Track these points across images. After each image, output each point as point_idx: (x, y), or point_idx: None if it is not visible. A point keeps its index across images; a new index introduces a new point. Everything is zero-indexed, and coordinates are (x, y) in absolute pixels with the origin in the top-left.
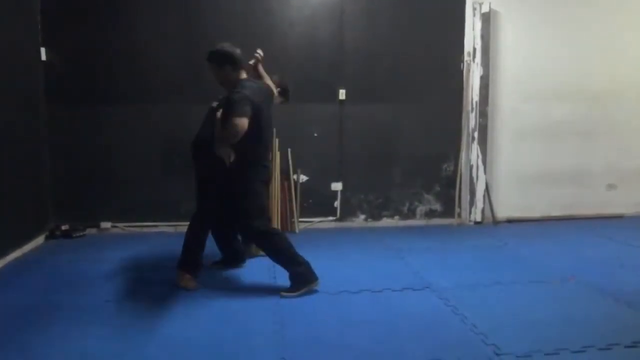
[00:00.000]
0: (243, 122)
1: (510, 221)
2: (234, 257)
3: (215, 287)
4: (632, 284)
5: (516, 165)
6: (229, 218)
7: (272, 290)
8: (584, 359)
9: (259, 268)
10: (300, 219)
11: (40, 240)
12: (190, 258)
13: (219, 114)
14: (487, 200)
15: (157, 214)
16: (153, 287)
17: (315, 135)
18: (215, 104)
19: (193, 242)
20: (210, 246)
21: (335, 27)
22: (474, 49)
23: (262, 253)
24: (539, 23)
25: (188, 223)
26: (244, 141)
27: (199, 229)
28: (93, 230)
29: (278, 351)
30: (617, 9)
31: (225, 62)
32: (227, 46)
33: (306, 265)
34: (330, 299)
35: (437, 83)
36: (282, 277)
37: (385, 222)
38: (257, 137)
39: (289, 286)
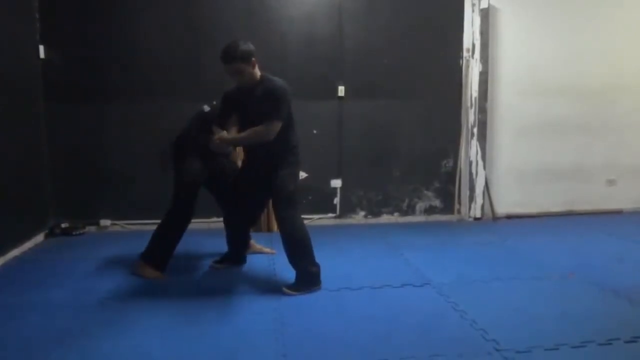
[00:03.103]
0: (279, 127)
1: (509, 217)
2: (239, 255)
3: (215, 285)
4: (631, 279)
5: (516, 161)
6: (257, 210)
7: (273, 288)
8: (584, 354)
9: (259, 265)
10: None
11: (39, 238)
12: (159, 253)
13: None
14: (486, 197)
15: (157, 212)
16: (153, 285)
17: (315, 132)
18: (207, 108)
19: (168, 237)
20: (205, 247)
21: (334, 23)
22: (473, 45)
23: (266, 250)
24: (538, 19)
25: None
26: (286, 127)
27: (173, 225)
28: (93, 228)
29: (279, 348)
30: (618, 5)
31: (251, 57)
32: (241, 43)
33: (319, 268)
34: (330, 295)
35: (437, 79)
36: (282, 274)
37: (385, 218)
38: (293, 122)
39: (293, 283)
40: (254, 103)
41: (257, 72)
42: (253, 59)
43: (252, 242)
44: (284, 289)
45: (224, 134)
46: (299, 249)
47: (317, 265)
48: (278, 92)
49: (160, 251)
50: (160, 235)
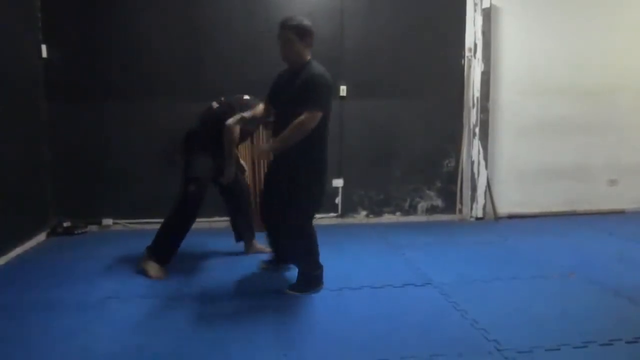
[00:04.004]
0: (318, 117)
1: (511, 217)
2: (279, 258)
3: (216, 285)
4: (633, 279)
5: (517, 161)
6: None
7: (273, 287)
8: (585, 355)
9: (260, 264)
10: None
11: (41, 237)
12: (164, 248)
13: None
14: (488, 196)
15: (159, 211)
16: (154, 283)
17: None
18: (215, 104)
19: (173, 233)
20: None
21: (335, 23)
22: (475, 45)
23: (267, 250)
24: (540, 19)
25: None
26: (320, 126)
27: (178, 221)
28: (94, 228)
29: (279, 347)
30: (619, 5)
31: (305, 35)
32: (305, 20)
33: (322, 269)
34: (331, 295)
35: (438, 79)
36: (282, 273)
37: (387, 218)
38: (328, 120)
39: (295, 284)
40: (292, 87)
41: (307, 55)
42: (307, 38)
43: (254, 241)
44: (288, 291)
45: (264, 146)
46: (304, 252)
47: (320, 267)
48: (316, 80)
49: (165, 246)
50: (166, 230)
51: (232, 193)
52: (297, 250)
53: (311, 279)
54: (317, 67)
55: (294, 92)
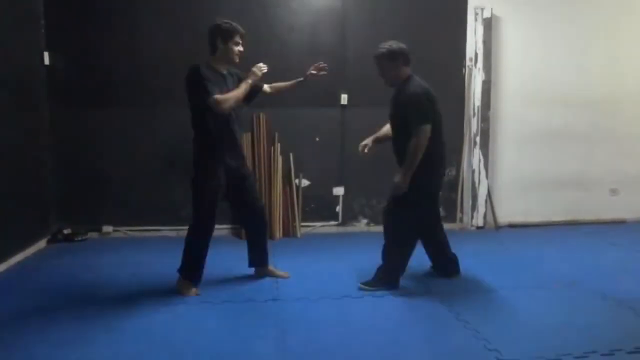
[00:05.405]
0: (429, 129)
1: (512, 226)
2: (445, 267)
3: (217, 293)
4: (634, 289)
5: (518, 170)
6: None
7: (274, 296)
8: None
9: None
10: (302, 224)
11: (42, 244)
12: (189, 265)
13: None
14: (489, 205)
15: (159, 218)
16: (154, 291)
17: (317, 139)
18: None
19: (190, 248)
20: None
21: (337, 32)
22: (476, 54)
23: (279, 274)
24: (541, 28)
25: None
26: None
27: (193, 235)
28: (95, 235)
29: (279, 356)
30: (620, 15)
31: (396, 58)
32: (394, 43)
33: (402, 272)
34: (332, 303)
35: (439, 88)
36: (284, 283)
37: None
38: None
39: (371, 279)
40: (397, 103)
41: (404, 73)
42: (399, 60)
43: (267, 265)
44: (361, 285)
45: (398, 181)
46: (397, 251)
47: (403, 270)
48: (414, 99)
49: (189, 263)
50: (186, 246)
51: (251, 217)
52: (390, 244)
53: (387, 276)
54: (415, 85)
55: (400, 108)
